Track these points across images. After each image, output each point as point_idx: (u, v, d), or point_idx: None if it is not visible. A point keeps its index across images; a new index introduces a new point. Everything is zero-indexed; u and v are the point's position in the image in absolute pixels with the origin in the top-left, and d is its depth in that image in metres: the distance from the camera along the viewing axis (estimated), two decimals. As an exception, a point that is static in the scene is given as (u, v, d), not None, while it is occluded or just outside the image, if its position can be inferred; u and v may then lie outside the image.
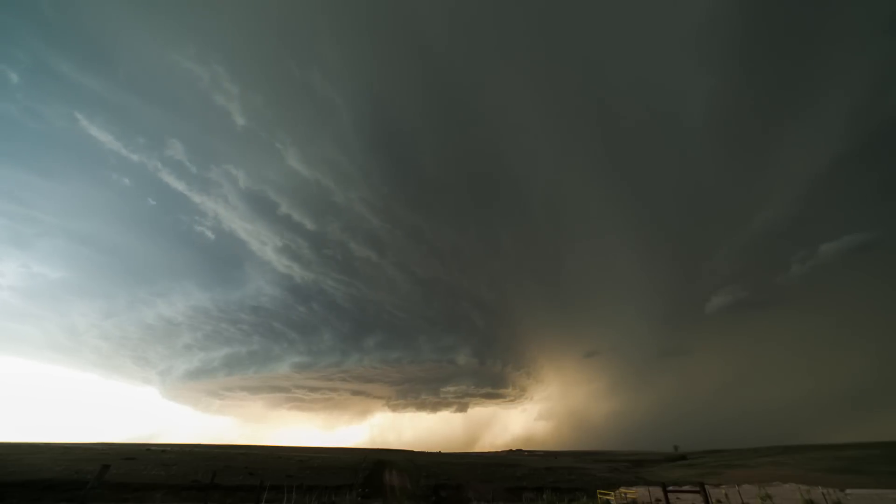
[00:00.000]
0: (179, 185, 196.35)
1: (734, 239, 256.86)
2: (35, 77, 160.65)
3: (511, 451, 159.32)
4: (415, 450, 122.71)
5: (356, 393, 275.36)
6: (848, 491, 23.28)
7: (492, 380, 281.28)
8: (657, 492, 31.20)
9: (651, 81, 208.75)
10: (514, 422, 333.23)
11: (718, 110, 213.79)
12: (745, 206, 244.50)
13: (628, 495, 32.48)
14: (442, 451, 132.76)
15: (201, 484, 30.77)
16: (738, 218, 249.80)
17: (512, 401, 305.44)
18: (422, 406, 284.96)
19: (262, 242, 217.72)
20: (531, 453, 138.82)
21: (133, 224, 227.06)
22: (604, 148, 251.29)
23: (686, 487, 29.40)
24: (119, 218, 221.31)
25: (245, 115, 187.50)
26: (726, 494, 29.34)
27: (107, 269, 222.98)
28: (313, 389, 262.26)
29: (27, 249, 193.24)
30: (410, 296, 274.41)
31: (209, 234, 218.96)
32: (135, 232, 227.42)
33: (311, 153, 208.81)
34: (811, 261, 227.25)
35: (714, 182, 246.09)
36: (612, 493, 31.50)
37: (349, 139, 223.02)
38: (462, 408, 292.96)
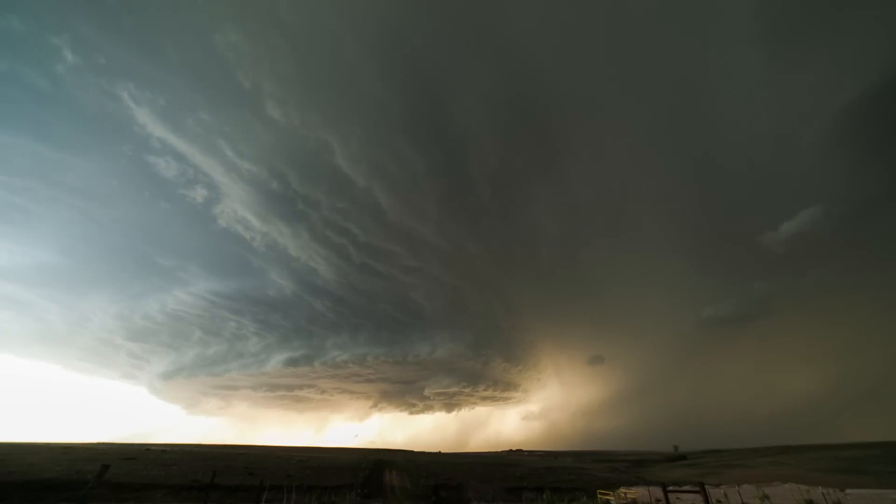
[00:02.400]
0: (224, 179, 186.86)
1: (751, 249, 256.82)
2: (81, 51, 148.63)
3: (511, 451, 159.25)
4: (415, 450, 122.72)
5: (358, 393, 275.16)
6: (848, 491, 23.29)
7: (503, 381, 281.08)
8: (657, 492, 31.22)
9: (717, 92, 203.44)
10: (515, 422, 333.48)
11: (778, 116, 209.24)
12: (772, 215, 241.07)
13: (628, 495, 32.49)
14: (442, 451, 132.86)
15: (201, 484, 30.76)
16: (762, 227, 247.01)
17: (517, 402, 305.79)
18: (425, 407, 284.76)
19: (294, 239, 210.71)
20: (531, 453, 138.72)
21: (162, 211, 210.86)
22: (654, 156, 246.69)
23: (686, 487, 29.39)
24: (146, 203, 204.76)
25: (299, 108, 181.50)
26: (726, 494, 29.35)
27: (117, 257, 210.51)
28: (317, 390, 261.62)
29: (22, 228, 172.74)
30: (436, 298, 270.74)
31: (241, 226, 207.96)
32: (161, 219, 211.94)
33: (359, 153, 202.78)
34: (821, 271, 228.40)
35: (751, 190, 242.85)
36: (612, 493, 31.54)
37: (399, 140, 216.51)
38: (461, 407, 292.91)
